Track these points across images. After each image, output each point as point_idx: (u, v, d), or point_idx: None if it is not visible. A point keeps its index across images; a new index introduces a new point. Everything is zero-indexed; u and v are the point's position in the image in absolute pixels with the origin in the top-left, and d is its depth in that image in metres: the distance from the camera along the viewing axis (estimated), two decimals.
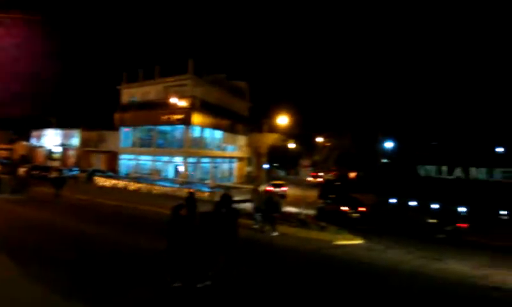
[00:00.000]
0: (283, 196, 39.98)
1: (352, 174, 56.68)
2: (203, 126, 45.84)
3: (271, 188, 39.04)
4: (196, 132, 45.37)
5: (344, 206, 23.36)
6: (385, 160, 47.67)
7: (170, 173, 45.02)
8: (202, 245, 9.35)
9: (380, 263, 14.55)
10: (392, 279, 12.60)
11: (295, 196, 40.46)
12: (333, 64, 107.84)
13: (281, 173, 72.98)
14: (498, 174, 32.66)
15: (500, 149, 42.74)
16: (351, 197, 23.83)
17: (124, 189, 31.39)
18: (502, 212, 30.82)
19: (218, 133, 50.07)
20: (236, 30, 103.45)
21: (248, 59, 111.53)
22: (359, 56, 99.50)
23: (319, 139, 63.27)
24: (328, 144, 60.00)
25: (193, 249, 9.46)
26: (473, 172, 34.00)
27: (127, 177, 40.30)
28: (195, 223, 9.91)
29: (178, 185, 34.66)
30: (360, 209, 21.50)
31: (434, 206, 27.91)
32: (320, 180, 59.68)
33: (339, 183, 40.82)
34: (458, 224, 21.83)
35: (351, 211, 22.67)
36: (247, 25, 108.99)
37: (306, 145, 72.28)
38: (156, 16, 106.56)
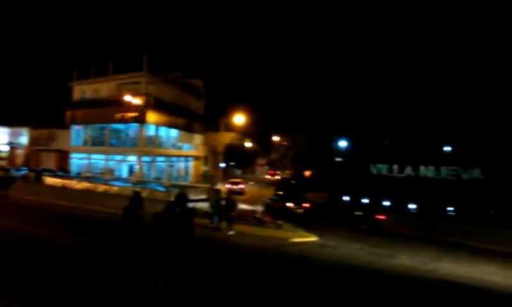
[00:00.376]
0: (241, 193, 41.69)
1: (308, 173, 57.65)
2: (158, 125, 45.10)
3: (229, 186, 40.49)
4: (150, 130, 44.57)
5: (289, 202, 24.64)
6: (339, 159, 48.77)
7: (124, 173, 44.00)
8: (155, 246, 9.17)
9: (334, 259, 14.85)
10: (347, 274, 12.87)
11: (252, 194, 40.69)
12: (288, 63, 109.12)
13: (238, 172, 73.06)
14: (445, 172, 34.18)
15: (447, 149, 44.70)
16: (296, 194, 25.31)
17: (75, 189, 30.39)
18: (449, 208, 32.27)
19: (174, 132, 49.43)
20: (192, 27, 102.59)
21: (204, 57, 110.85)
22: (314, 56, 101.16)
23: (276, 138, 63.77)
24: (285, 143, 60.57)
25: (145, 249, 9.27)
26: (423, 170, 35.40)
27: (79, 177, 39.01)
28: (144, 223, 9.71)
29: (131, 185, 33.92)
30: (304, 205, 22.79)
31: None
32: (278, 178, 60.32)
33: (294, 181, 41.38)
34: (377, 216, 24.51)
35: (295, 207, 24.11)
36: (202, 23, 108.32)
37: (263, 144, 72.74)
38: (109, 11, 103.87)
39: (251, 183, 57.90)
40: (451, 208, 31.57)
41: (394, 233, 23.59)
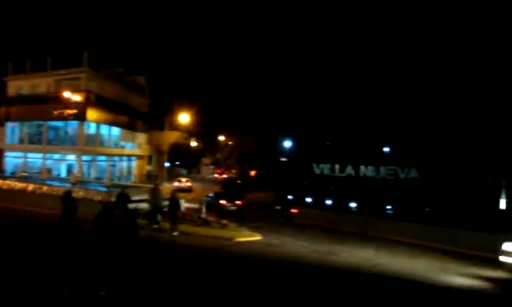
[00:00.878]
0: (189, 190, 42.44)
1: (253, 172, 58.10)
2: (99, 123, 43.68)
3: (177, 184, 41.44)
4: (91, 128, 43.12)
5: (222, 200, 27.17)
6: (284, 159, 49.50)
7: (63, 172, 42.25)
8: (94, 249, 8.84)
9: (279, 257, 15.13)
10: (293, 271, 13.06)
11: (198, 193, 40.51)
12: (234, 62, 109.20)
13: (183, 172, 72.29)
14: (384, 171, 35.55)
15: (386, 149, 46.50)
16: (231, 193, 28.12)
17: (10, 189, 28.80)
18: (387, 207, 33.59)
19: (116, 130, 48.09)
20: (135, 23, 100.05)
21: (148, 53, 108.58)
22: (259, 56, 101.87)
23: (222, 138, 63.71)
24: (230, 142, 60.66)
25: (83, 252, 8.93)
26: (363, 170, 36.64)
27: (14, 176, 36.95)
28: (78, 225, 9.38)
29: (71, 185, 32.61)
30: (237, 202, 24.94)
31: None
32: (226, 176, 60.35)
33: (240, 181, 41.62)
34: (290, 210, 28.10)
35: (228, 204, 26.47)
36: (145, 19, 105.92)
37: (209, 143, 72.44)
38: (48, 3, 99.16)
39: (198, 182, 57.55)
40: (389, 207, 32.85)
41: (304, 225, 26.06)
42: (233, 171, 63.41)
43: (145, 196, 21.59)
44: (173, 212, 18.15)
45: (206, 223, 20.89)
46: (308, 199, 35.25)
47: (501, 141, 31.54)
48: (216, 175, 67.39)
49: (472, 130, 35.04)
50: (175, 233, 17.51)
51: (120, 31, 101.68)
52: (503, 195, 30.69)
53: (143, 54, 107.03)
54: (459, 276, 14.12)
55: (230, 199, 26.62)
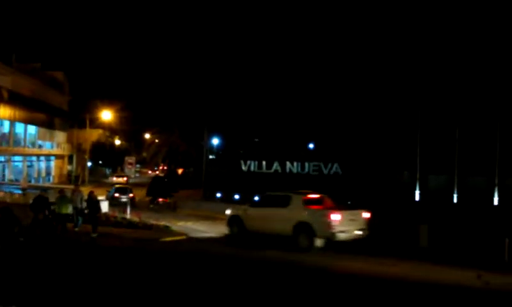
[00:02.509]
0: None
1: (181, 171, 57.35)
2: (13, 121, 40.88)
3: (115, 179, 49.41)
4: (4, 127, 40.30)
5: (117, 193, 31.72)
6: (212, 156, 49.38)
7: None
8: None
9: (201, 252, 15.38)
10: (216, 264, 13.07)
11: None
12: (159, 58, 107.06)
13: (107, 171, 69.72)
14: (308, 167, 36.65)
15: (311, 145, 47.94)
16: (124, 188, 31.47)
17: None
18: None
19: (32, 129, 45.33)
20: (52, 15, 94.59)
21: (67, 48, 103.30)
22: (184, 52, 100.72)
23: (148, 136, 62.15)
24: (157, 140, 59.30)
25: None
26: (289, 166, 37.51)
27: None
28: None
29: None
30: (130, 195, 27.20)
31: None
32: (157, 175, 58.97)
33: (167, 179, 40.90)
34: (159, 200, 32.93)
35: (120, 196, 30.27)
36: (64, 11, 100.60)
37: (134, 141, 70.41)
38: None
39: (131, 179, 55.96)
40: None
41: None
42: (159, 169, 62.23)
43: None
44: (92, 214, 17.45)
45: (131, 224, 20.36)
46: (236, 196, 35.45)
47: (416, 137, 33.70)
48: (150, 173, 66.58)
49: (389, 127, 37.20)
50: (94, 235, 16.83)
51: (37, 23, 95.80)
52: (417, 187, 33.02)
53: (63, 48, 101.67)
54: None
55: (124, 193, 29.68)
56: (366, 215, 16.22)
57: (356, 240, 15.59)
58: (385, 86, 39.52)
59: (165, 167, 61.36)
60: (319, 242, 15.12)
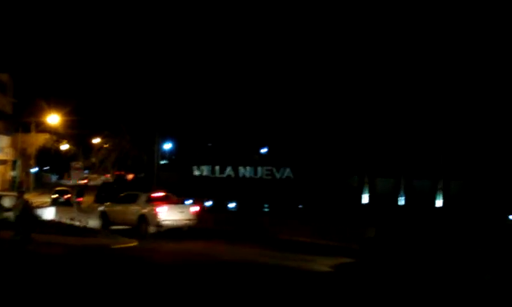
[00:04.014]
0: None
1: (131, 176, 55.95)
2: None
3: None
4: None
5: (56, 194, 35.59)
6: (164, 162, 48.64)
7: None
8: None
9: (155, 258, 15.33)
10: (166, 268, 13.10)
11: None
12: (109, 60, 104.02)
13: (53, 177, 67.07)
14: (261, 171, 36.88)
15: (264, 150, 48.26)
16: (62, 190, 35.57)
17: None
18: (265, 205, 34.95)
19: None
20: None
21: (11, 47, 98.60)
22: (135, 54, 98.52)
23: (97, 140, 60.22)
24: (106, 145, 57.55)
25: None
26: (242, 170, 37.59)
27: None
28: None
29: None
30: (65, 196, 30.20)
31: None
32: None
33: (116, 185, 39.85)
34: (78, 199, 35.85)
35: (59, 197, 34.01)
36: (9, 9, 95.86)
37: (83, 146, 68.06)
38: None
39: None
40: (266, 205, 34.20)
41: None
42: (106, 175, 60.54)
43: (7, 205, 19.62)
44: (27, 222, 16.62)
45: (79, 231, 19.67)
46: (189, 202, 35.07)
47: (365, 141, 34.71)
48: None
49: (339, 132, 38.12)
50: (27, 244, 16.03)
51: None
52: (365, 191, 34.00)
53: (6, 47, 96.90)
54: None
55: (62, 194, 34.41)
56: (194, 209, 21.28)
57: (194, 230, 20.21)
58: (335, 91, 40.38)
59: (116, 173, 59.82)
60: (151, 229, 19.45)
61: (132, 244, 17.96)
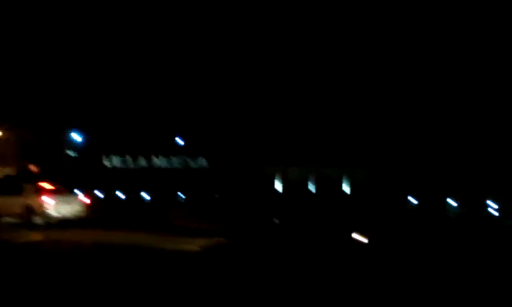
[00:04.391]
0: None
1: (36, 168, 52.42)
2: None
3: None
4: None
5: None
6: (71, 152, 46.16)
7: None
8: None
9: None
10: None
11: None
12: (13, 49, 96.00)
13: None
14: (176, 162, 36.43)
15: (178, 140, 47.61)
16: None
17: None
18: (180, 195, 34.60)
19: None
20: None
21: None
22: (39, 43, 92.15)
23: None
24: (6, 137, 53.27)
25: None
26: (156, 161, 36.85)
27: None
28: None
29: None
30: None
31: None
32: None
33: (19, 178, 37.16)
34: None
35: None
36: None
37: None
38: None
39: None
40: (182, 195, 33.89)
41: None
42: (7, 168, 56.07)
43: None
44: None
45: None
46: (99, 194, 33.75)
47: (278, 132, 35.59)
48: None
49: (254, 124, 38.69)
50: None
51: None
52: (278, 179, 35.05)
53: None
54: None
55: None
56: (86, 200, 21.49)
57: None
58: (247, 83, 40.59)
59: (21, 165, 55.62)
60: (38, 220, 19.20)
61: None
